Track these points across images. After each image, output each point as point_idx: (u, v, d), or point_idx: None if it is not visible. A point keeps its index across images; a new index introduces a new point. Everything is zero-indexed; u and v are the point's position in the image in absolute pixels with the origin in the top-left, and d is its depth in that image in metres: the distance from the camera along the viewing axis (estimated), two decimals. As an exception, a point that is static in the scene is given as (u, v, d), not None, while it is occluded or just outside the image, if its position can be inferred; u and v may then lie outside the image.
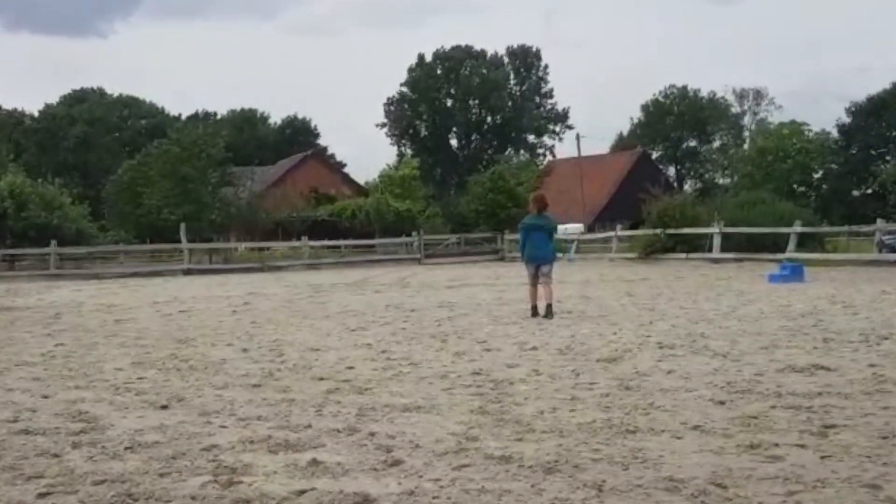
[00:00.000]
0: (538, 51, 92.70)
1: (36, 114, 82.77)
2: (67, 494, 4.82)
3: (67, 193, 41.57)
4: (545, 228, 14.56)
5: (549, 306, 13.90)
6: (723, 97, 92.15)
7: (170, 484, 4.96)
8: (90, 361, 9.86)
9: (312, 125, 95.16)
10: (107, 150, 78.42)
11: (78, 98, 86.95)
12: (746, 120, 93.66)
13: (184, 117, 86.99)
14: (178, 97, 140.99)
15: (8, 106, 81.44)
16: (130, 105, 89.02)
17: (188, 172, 43.43)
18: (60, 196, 39.88)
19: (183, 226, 36.38)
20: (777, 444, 5.49)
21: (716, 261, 29.66)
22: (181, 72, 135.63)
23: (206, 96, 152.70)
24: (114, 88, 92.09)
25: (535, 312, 13.94)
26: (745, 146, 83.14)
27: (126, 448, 5.75)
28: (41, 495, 4.81)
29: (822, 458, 5.20)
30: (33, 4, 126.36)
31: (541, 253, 14.41)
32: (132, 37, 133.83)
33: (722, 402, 6.79)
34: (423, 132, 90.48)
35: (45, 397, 7.70)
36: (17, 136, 76.33)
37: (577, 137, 72.96)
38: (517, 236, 16.56)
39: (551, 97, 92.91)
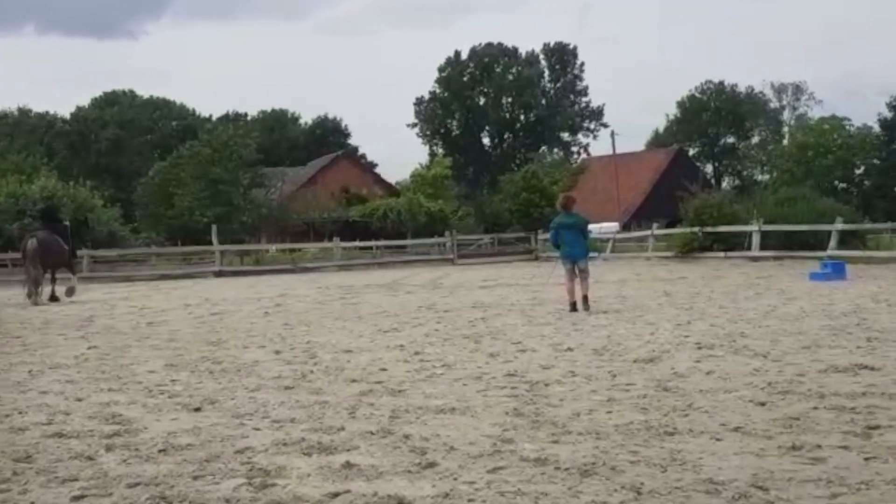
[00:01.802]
0: (574, 48, 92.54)
1: (67, 117, 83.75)
2: (101, 497, 4.88)
3: (99, 196, 41.99)
4: (576, 226, 15.26)
5: (585, 297, 14.66)
6: (761, 92, 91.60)
7: (203, 486, 5.00)
8: (123, 364, 9.95)
9: (343, 125, 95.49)
10: (138, 152, 79.19)
11: (109, 100, 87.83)
12: (785, 115, 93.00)
13: (214, 118, 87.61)
14: (209, 98, 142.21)
15: (40, 109, 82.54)
16: (161, 107, 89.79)
17: (219, 174, 43.72)
18: (92, 199, 40.27)
19: (214, 227, 36.64)
20: (820, 446, 5.44)
21: (755, 259, 29.42)
22: (211, 72, 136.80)
23: (236, 97, 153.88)
24: (144, 90, 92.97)
25: (574, 308, 14.53)
26: (785, 142, 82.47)
27: (160, 451, 5.80)
28: (75, 498, 4.87)
29: (866, 459, 5.14)
30: (64, 7, 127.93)
31: (576, 250, 15.15)
32: (162, 38, 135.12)
33: (763, 403, 6.73)
34: (455, 131, 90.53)
35: (79, 400, 7.78)
36: (48, 139, 77.25)
37: (612, 135, 72.60)
38: (549, 236, 16.96)
39: (586, 94, 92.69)
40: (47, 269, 21.07)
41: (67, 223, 22.77)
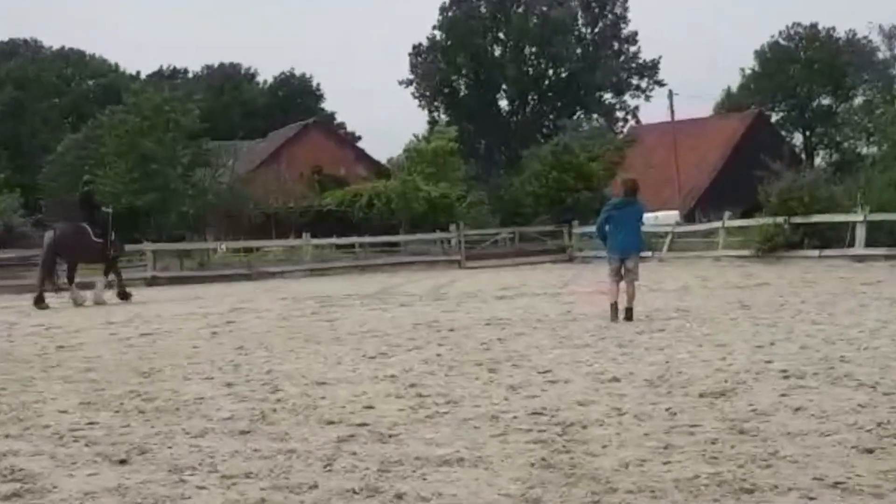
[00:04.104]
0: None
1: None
2: (-3, 578, 4.89)
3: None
4: (634, 212, 15.89)
5: (628, 309, 15.15)
6: (866, 38, 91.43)
7: (132, 563, 5.01)
8: (25, 402, 9.95)
9: (314, 84, 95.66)
10: (44, 120, 79.29)
11: (6, 52, 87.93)
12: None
13: (144, 76, 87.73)
14: (137, 50, 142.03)
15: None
16: (75, 62, 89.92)
17: (151, 149, 43.74)
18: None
19: (147, 220, 36.67)
20: (946, 507, 5.44)
21: (859, 259, 29.42)
22: (141, 17, 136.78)
23: (173, 49, 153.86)
24: (53, 40, 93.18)
25: (615, 311, 15.16)
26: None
27: (74, 516, 5.80)
28: (-37, 579, 4.88)
29: None
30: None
31: (628, 241, 15.69)
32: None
33: (870, 450, 6.74)
34: (463, 91, 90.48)
35: (-33, 449, 7.79)
36: (-74, 104, 77.41)
37: (671, 95, 72.46)
38: (591, 229, 17.15)
39: (634, 43, 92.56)
40: (71, 264, 23.90)
41: (109, 211, 25.35)
